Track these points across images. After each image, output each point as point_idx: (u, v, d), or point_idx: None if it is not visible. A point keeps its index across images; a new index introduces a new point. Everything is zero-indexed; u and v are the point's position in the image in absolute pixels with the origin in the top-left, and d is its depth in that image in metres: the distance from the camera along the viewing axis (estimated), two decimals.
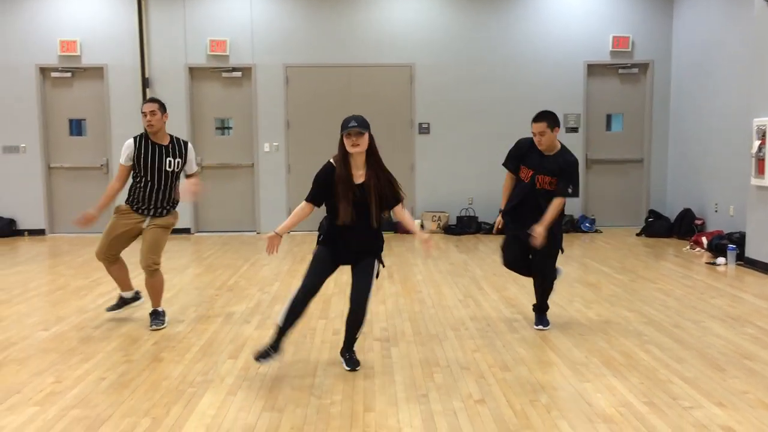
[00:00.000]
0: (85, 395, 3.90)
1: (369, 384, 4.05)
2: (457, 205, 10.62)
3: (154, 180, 5.27)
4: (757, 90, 7.52)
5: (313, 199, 4.34)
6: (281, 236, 4.39)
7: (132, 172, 5.34)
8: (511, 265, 5.30)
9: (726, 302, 5.96)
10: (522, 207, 5.10)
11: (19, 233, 10.45)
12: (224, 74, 10.47)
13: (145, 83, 10.25)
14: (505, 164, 5.27)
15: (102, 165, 10.49)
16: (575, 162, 5.00)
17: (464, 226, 10.37)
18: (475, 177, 10.53)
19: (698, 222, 9.43)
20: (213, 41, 10.29)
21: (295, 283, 6.81)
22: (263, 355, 4.18)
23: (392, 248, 8.82)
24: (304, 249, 9.03)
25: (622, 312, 5.66)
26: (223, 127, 10.74)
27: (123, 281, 5.55)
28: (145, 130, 5.26)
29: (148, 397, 3.86)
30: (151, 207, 5.34)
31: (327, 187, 4.23)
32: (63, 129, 10.54)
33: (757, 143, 7.41)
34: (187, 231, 10.39)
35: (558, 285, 6.65)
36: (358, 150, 4.14)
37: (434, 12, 10.46)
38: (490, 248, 8.95)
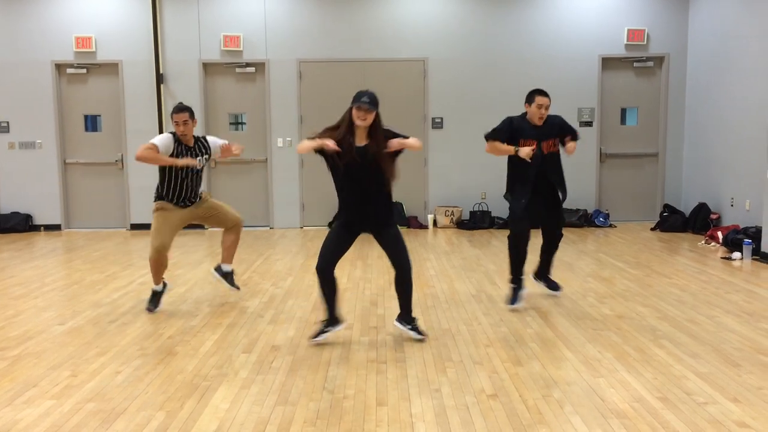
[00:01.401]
0: (101, 389, 3.94)
1: (381, 378, 4.06)
2: (470, 200, 10.60)
3: (187, 178, 5.59)
4: None
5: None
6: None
7: (165, 168, 5.54)
8: (525, 235, 5.55)
9: (741, 297, 5.91)
10: (533, 182, 5.49)
11: (36, 228, 10.55)
12: (238, 70, 10.50)
13: (160, 79, 10.30)
14: (491, 136, 5.62)
15: (117, 160, 10.56)
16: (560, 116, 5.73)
17: (477, 221, 10.35)
18: (488, 172, 10.49)
19: (714, 216, 9.35)
20: (227, 37, 10.31)
21: (309, 278, 6.87)
22: (317, 333, 4.65)
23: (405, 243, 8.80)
24: (317, 244, 9.01)
25: (636, 307, 5.63)
26: (236, 123, 10.77)
27: (161, 273, 5.67)
28: (175, 133, 5.55)
29: (163, 391, 3.90)
30: (190, 198, 5.66)
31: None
32: (78, 125, 10.62)
33: None
34: (201, 226, 10.44)
35: (572, 279, 6.66)
36: (364, 124, 4.49)
37: (447, 6, 10.43)
38: (504, 243, 8.89)
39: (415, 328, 4.80)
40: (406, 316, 4.83)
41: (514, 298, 5.60)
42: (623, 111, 10.75)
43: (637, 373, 4.09)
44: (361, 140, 4.53)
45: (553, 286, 5.97)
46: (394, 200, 4.74)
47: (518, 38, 10.44)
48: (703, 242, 8.71)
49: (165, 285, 5.79)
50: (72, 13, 10.30)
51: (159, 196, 5.61)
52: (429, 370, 4.19)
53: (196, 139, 5.68)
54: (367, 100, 4.45)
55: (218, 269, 6.06)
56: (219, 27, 10.34)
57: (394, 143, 4.51)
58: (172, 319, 5.42)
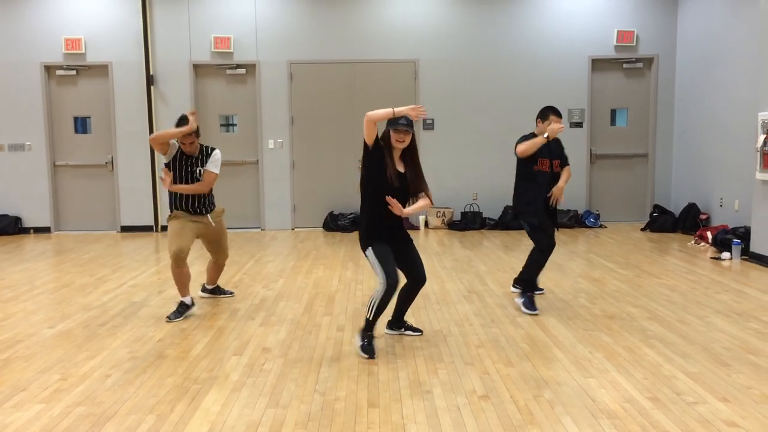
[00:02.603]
0: (91, 392, 3.93)
1: (373, 380, 4.06)
2: (461, 201, 10.62)
3: (188, 184, 5.58)
4: (763, 84, 7.49)
5: (374, 145, 4.54)
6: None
7: (179, 178, 5.58)
8: (552, 247, 5.63)
9: (731, 297, 5.95)
10: (545, 197, 5.61)
11: (25, 231, 10.49)
12: (228, 71, 10.48)
13: (150, 80, 10.26)
14: (521, 140, 5.62)
15: (107, 162, 10.51)
16: None
17: (469, 222, 10.37)
18: (479, 173, 10.52)
19: (703, 217, 9.41)
20: (217, 38, 10.29)
21: (300, 279, 6.86)
22: (368, 350, 4.51)
23: None
24: (308, 245, 9.05)
25: (627, 307, 5.65)
26: (227, 124, 10.75)
27: (186, 283, 5.57)
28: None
29: (153, 394, 3.88)
30: (199, 206, 5.62)
31: (379, 155, 4.50)
32: (68, 127, 10.57)
33: (762, 137, 7.38)
34: None
35: (562, 280, 6.69)
36: (402, 146, 4.51)
37: (438, 7, 10.44)
38: (495, 244, 8.95)
39: (410, 327, 4.98)
40: (398, 322, 4.94)
41: (534, 303, 5.58)
42: (613, 112, 10.79)
43: (628, 374, 4.10)
44: (399, 163, 4.57)
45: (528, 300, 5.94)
46: None
47: (509, 40, 10.47)
48: (692, 242, 8.76)
49: (193, 301, 5.64)
50: (61, 14, 10.25)
51: (171, 207, 5.62)
52: (420, 372, 4.19)
53: (203, 148, 5.65)
54: (405, 122, 4.44)
55: (204, 289, 6.18)
56: (209, 28, 10.31)
57: (418, 207, 4.68)
58: (162, 322, 5.40)
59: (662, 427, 3.36)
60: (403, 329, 4.95)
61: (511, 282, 6.33)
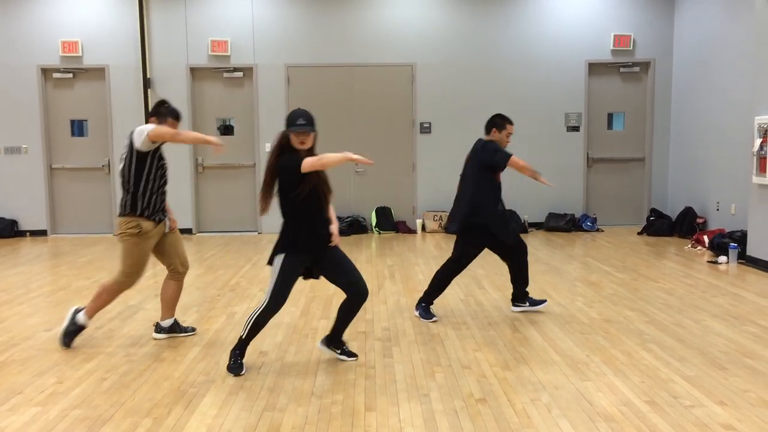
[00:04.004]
0: (87, 395, 3.91)
1: (370, 383, 4.05)
2: None
3: (164, 179, 4.86)
4: (759, 88, 7.51)
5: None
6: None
7: (147, 167, 4.71)
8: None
9: (727, 301, 5.95)
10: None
11: (21, 234, 10.46)
12: (225, 74, 10.48)
13: (147, 84, 10.26)
14: (507, 155, 5.46)
15: (103, 165, 10.50)
16: None
17: None
18: None
19: (700, 220, 9.42)
20: (214, 41, 10.29)
21: (296, 283, 6.83)
22: (234, 369, 4.22)
23: (393, 248, 8.82)
24: None
25: (624, 311, 5.65)
26: (224, 127, 10.74)
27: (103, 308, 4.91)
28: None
29: (150, 398, 3.87)
30: (163, 210, 4.86)
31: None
32: (65, 130, 10.56)
33: (758, 141, 7.40)
34: (188, 231, 10.40)
35: (560, 284, 6.68)
36: (304, 147, 4.18)
37: (435, 11, 10.46)
38: None
39: (347, 351, 4.52)
40: (335, 341, 4.51)
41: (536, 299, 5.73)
42: (610, 116, 10.81)
43: (625, 377, 4.10)
44: None
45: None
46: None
47: (506, 44, 10.49)
48: (689, 246, 8.77)
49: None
50: (58, 17, 10.24)
51: (131, 210, 4.64)
52: (417, 375, 4.18)
53: None
54: (303, 122, 4.13)
55: (158, 328, 5.05)
56: (206, 32, 10.32)
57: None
58: None
59: (659, 431, 3.36)
60: (339, 351, 4.47)
61: (510, 280, 6.23)
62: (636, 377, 4.10)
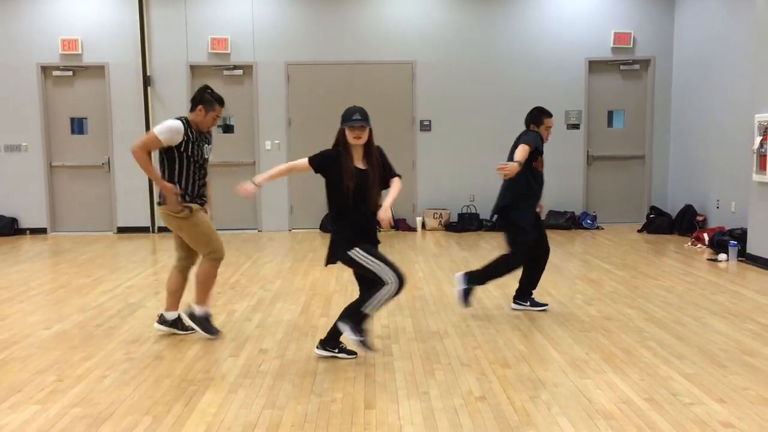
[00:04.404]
0: (87, 393, 3.92)
1: (370, 381, 4.06)
2: (458, 202, 10.62)
3: (202, 168, 5.14)
4: (759, 86, 7.50)
5: (317, 165, 4.43)
6: (259, 187, 4.55)
7: (178, 160, 4.88)
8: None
9: (727, 299, 5.95)
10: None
11: (21, 232, 10.46)
12: (225, 72, 10.47)
13: (147, 81, 10.25)
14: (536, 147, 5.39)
15: (103, 163, 10.50)
16: None
17: (466, 223, 10.37)
18: (476, 174, 10.51)
19: (700, 218, 9.42)
20: (214, 39, 10.28)
21: (297, 281, 6.85)
22: (366, 344, 4.34)
23: (393, 245, 8.83)
24: (305, 247, 9.04)
25: (623, 309, 5.65)
26: (224, 125, 10.74)
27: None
28: (186, 118, 4.93)
29: (150, 395, 3.87)
30: (202, 196, 5.19)
31: (331, 165, 4.34)
32: (64, 127, 10.56)
33: (758, 139, 7.40)
34: None
35: (559, 281, 6.69)
36: (360, 142, 4.28)
37: (435, 9, 10.45)
38: (492, 245, 8.94)
39: (345, 349, 4.50)
40: (336, 341, 4.51)
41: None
42: (610, 113, 10.81)
43: (624, 375, 4.11)
44: (358, 161, 4.31)
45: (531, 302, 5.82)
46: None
47: (506, 41, 10.48)
48: (689, 244, 8.77)
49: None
50: (58, 15, 10.23)
51: (183, 193, 4.87)
52: (417, 373, 4.19)
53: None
54: (359, 117, 4.21)
55: (161, 319, 5.03)
56: (206, 29, 10.31)
57: (388, 207, 4.30)
58: None
59: (658, 428, 3.36)
60: (336, 351, 4.46)
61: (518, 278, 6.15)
62: (635, 375, 4.10)
